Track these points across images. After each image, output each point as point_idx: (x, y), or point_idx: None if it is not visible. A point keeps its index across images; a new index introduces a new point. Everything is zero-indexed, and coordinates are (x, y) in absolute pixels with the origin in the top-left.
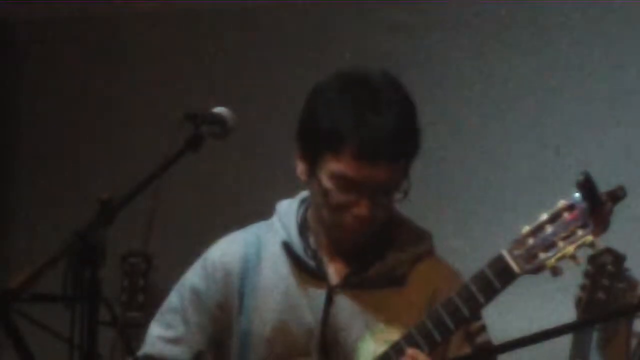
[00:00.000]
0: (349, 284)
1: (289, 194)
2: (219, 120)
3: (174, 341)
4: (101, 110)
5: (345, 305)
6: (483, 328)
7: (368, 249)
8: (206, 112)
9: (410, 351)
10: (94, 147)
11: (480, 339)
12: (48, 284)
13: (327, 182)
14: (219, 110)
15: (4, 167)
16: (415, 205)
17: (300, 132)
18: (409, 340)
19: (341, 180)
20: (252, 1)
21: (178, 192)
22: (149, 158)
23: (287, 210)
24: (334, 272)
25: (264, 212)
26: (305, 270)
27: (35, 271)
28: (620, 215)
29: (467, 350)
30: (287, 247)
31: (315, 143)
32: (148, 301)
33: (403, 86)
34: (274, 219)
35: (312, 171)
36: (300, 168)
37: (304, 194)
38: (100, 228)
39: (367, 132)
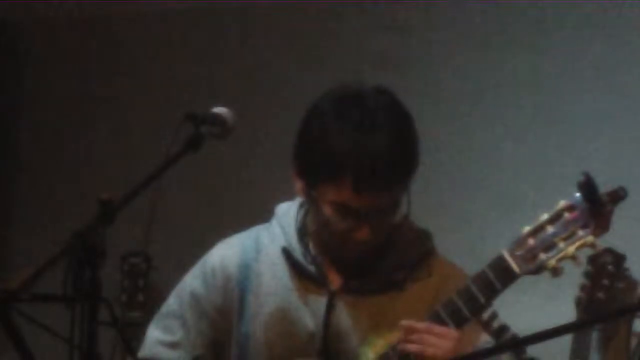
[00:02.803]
0: (349, 289)
1: (289, 194)
2: (219, 120)
3: (172, 345)
4: (101, 110)
5: (346, 310)
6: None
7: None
8: (206, 112)
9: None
10: (94, 147)
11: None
12: (48, 284)
13: (326, 210)
14: (219, 110)
15: (4, 167)
16: (415, 205)
17: (297, 155)
18: None
19: (341, 209)
20: (252, 1)
21: (178, 192)
22: (149, 158)
23: (286, 214)
24: (334, 277)
25: (264, 212)
26: (305, 275)
27: (35, 271)
28: (621, 215)
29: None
30: (286, 252)
31: (312, 170)
32: (148, 301)
33: (399, 103)
34: (273, 223)
35: (311, 195)
36: (298, 186)
37: None
38: (100, 228)
39: (364, 162)
